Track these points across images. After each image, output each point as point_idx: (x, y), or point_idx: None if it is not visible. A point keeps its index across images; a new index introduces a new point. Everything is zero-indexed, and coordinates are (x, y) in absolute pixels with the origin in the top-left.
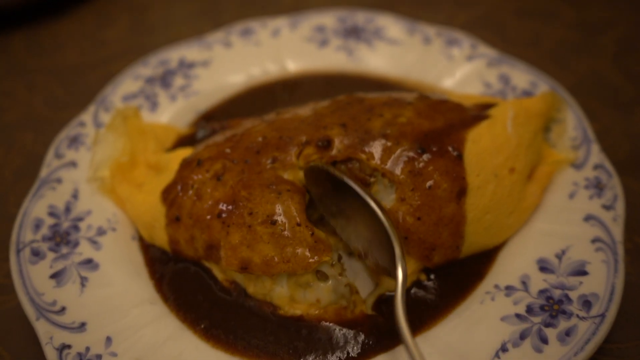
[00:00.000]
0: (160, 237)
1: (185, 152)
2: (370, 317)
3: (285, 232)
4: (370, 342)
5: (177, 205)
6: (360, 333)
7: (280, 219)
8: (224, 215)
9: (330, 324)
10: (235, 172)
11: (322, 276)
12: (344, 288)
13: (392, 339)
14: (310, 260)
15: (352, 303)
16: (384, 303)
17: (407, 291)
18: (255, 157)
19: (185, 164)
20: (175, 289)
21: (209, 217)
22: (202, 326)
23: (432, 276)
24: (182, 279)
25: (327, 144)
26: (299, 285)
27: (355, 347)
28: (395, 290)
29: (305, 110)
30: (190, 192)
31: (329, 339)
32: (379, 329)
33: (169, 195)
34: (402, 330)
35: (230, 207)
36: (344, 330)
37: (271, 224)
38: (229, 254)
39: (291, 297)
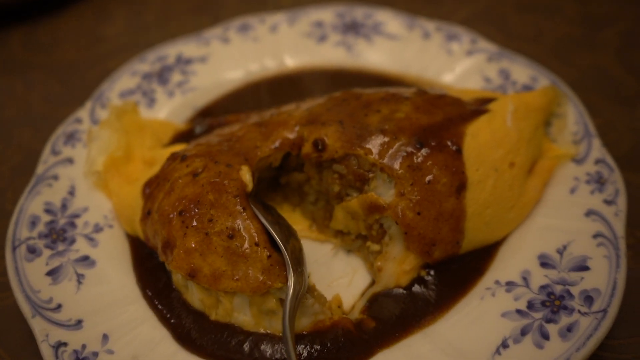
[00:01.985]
0: (140, 232)
1: (180, 148)
2: (365, 318)
3: (241, 249)
4: (369, 341)
5: (152, 199)
6: (346, 336)
7: (238, 234)
8: (185, 214)
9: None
10: (213, 173)
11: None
12: (313, 307)
13: (391, 335)
14: (261, 282)
15: (329, 311)
16: (384, 299)
17: (407, 287)
18: (240, 162)
19: (171, 159)
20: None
21: (172, 213)
22: (180, 331)
23: (432, 272)
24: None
25: (322, 148)
26: (263, 314)
27: (354, 349)
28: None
29: (300, 111)
30: (167, 186)
31: (324, 346)
32: (378, 327)
33: (148, 189)
34: (285, 332)
35: (193, 206)
36: (333, 335)
37: (228, 238)
38: (181, 256)
39: (257, 325)
